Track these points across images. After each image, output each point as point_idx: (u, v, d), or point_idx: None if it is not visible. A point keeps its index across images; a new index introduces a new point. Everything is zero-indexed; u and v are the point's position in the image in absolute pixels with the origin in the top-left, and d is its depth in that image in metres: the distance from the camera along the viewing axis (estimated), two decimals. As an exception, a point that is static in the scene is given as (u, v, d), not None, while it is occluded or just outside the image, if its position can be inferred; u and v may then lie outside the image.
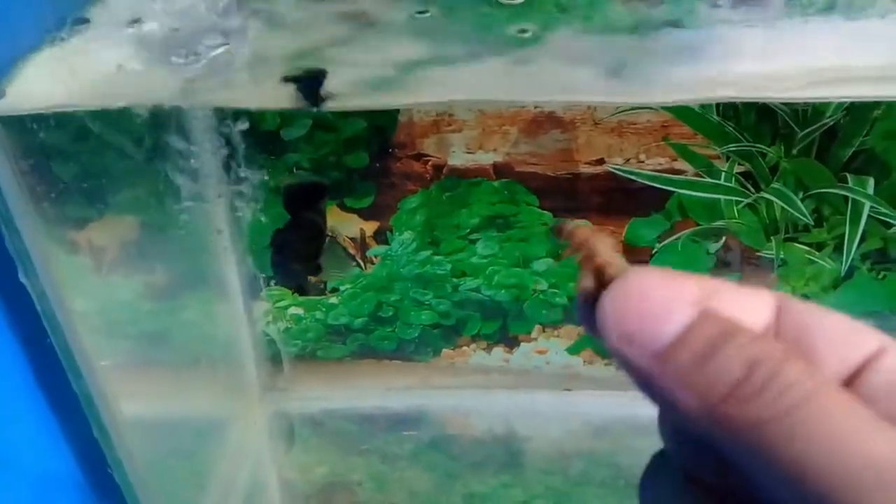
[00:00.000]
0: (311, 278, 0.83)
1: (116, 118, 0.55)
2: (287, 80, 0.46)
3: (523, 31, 0.49)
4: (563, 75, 0.50)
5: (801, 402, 0.20)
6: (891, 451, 0.19)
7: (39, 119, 0.49)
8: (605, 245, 0.24)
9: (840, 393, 0.20)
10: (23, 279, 0.49)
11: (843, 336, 0.23)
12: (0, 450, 0.55)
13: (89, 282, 0.62)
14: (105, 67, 0.48)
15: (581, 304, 0.24)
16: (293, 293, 0.86)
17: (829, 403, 0.20)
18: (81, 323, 0.55)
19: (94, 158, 0.59)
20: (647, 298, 0.22)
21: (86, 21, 0.50)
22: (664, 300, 0.22)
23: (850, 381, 0.22)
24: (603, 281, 0.23)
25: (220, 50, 0.46)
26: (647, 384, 0.22)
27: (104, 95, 0.47)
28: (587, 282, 0.24)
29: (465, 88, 0.51)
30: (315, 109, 0.47)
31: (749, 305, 0.24)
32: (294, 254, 0.70)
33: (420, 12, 0.50)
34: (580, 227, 0.25)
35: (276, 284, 0.82)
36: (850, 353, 0.23)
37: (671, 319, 0.22)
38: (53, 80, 0.48)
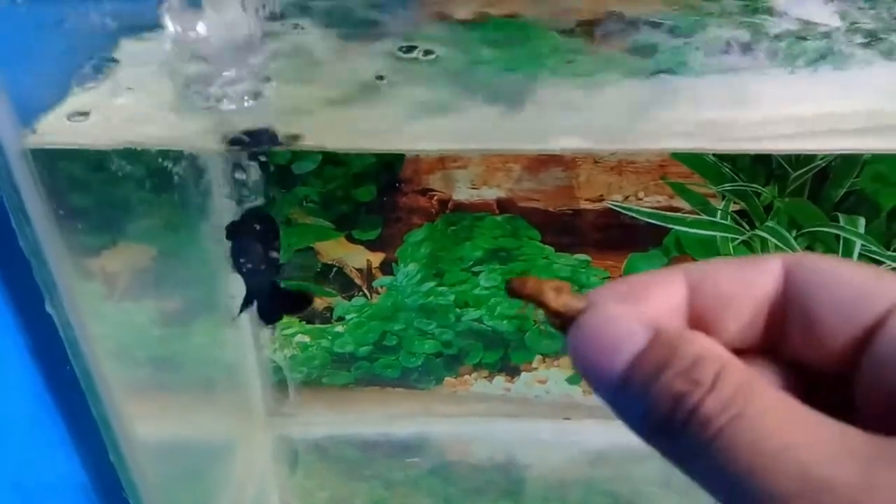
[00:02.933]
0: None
1: (136, 154, 0.57)
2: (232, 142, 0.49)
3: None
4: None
5: (716, 436, 0.20)
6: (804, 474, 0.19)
7: (67, 154, 0.51)
8: (552, 292, 0.25)
9: (759, 420, 0.21)
10: (49, 309, 0.51)
11: (852, 297, 0.23)
12: (20, 476, 0.56)
13: (104, 308, 0.64)
14: (132, 107, 0.51)
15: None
16: (301, 322, 0.88)
17: (749, 432, 0.20)
18: (100, 349, 0.57)
19: (112, 190, 0.61)
20: (598, 339, 0.23)
21: (115, 61, 0.53)
22: (614, 337, 0.23)
23: (861, 345, 0.23)
24: (565, 323, 0.25)
25: (249, 92, 0.49)
26: (615, 413, 0.24)
27: (131, 137, 0.49)
28: (554, 325, 0.25)
29: (460, 137, 0.53)
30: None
31: (750, 278, 0.25)
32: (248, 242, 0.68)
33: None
34: (527, 281, 0.26)
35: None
36: (860, 314, 0.23)
37: (619, 355, 0.23)
38: (83, 117, 0.50)
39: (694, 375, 0.21)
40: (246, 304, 0.63)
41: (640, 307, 0.24)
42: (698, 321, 0.25)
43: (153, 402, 0.72)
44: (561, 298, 0.25)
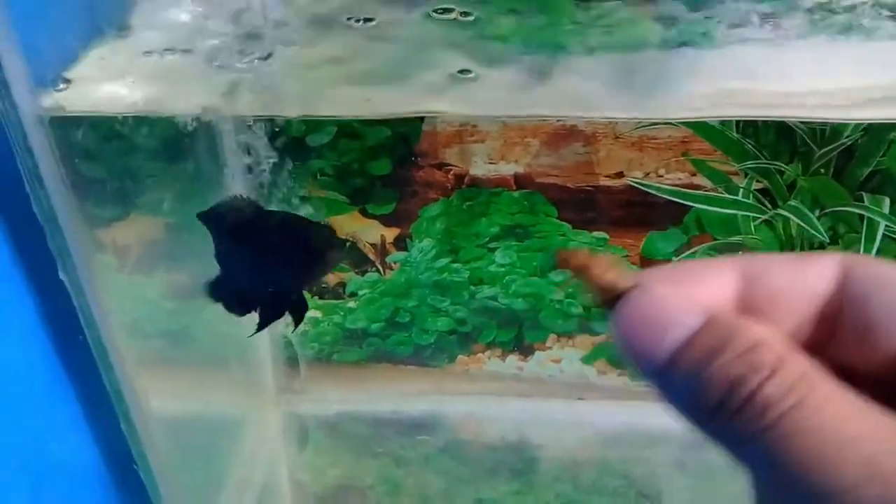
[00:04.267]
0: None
1: (152, 123, 0.56)
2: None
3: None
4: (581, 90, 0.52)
5: (775, 424, 0.20)
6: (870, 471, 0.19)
7: (83, 121, 0.51)
8: (601, 267, 0.24)
9: (822, 410, 0.20)
10: (62, 276, 0.50)
11: None
12: (30, 444, 0.56)
13: (117, 280, 0.64)
14: (148, 73, 0.50)
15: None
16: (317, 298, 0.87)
17: (811, 421, 0.20)
18: (113, 320, 0.56)
19: (126, 160, 0.60)
20: (647, 318, 0.23)
21: (128, 27, 0.52)
22: (664, 317, 0.23)
23: None
24: (611, 299, 0.24)
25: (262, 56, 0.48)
26: (660, 395, 0.23)
27: (148, 103, 0.49)
28: (598, 301, 0.25)
29: (487, 103, 0.52)
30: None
31: (806, 276, 0.24)
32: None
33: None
34: (576, 254, 0.25)
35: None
36: None
37: (669, 334, 0.22)
38: (98, 85, 0.49)
39: (753, 359, 0.21)
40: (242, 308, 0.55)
41: (691, 293, 0.24)
42: (747, 315, 0.24)
43: (164, 376, 0.71)
44: (609, 274, 0.24)
